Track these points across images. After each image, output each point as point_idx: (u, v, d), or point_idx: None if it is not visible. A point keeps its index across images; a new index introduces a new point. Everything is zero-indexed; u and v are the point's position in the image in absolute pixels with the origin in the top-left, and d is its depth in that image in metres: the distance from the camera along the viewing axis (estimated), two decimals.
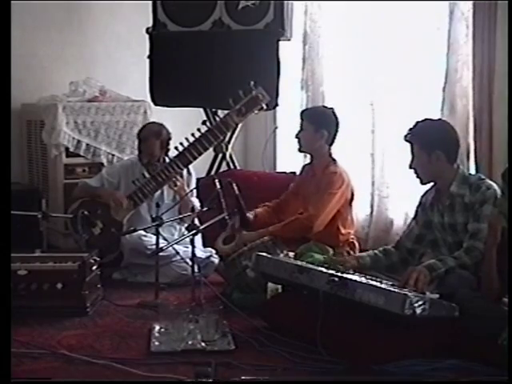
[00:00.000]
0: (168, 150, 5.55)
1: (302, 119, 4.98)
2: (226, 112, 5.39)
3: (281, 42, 5.89)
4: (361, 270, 4.10)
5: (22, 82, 6.38)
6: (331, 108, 5.06)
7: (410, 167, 4.16)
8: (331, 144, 4.98)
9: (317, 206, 4.83)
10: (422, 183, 4.23)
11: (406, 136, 4.15)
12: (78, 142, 6.11)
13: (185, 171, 5.49)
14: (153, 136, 5.49)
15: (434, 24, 5.49)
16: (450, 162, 4.09)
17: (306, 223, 4.82)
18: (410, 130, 4.15)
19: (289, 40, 6.15)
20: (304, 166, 5.27)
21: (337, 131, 4.96)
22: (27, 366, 3.62)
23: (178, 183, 5.37)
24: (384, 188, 5.84)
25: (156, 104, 6.20)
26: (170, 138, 5.54)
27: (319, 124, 4.92)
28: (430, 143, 4.07)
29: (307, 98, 6.36)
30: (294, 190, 5.18)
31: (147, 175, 5.41)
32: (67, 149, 6.09)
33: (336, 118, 4.97)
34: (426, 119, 4.23)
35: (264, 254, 4.35)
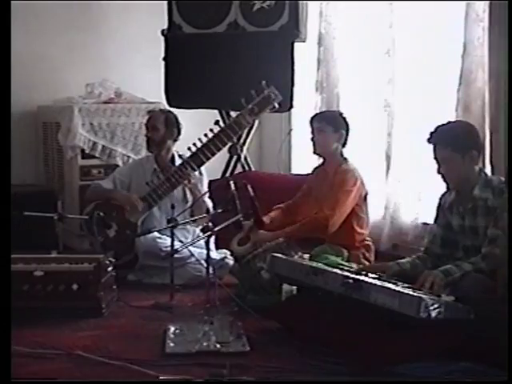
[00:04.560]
0: (177, 139, 5.58)
1: (316, 123, 5.00)
2: (238, 112, 5.40)
3: (296, 44, 5.89)
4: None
5: (38, 85, 6.43)
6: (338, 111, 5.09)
7: (439, 172, 4.07)
8: (344, 145, 5.01)
9: (332, 205, 4.83)
10: (451, 188, 4.16)
11: (430, 139, 4.05)
12: (94, 143, 6.14)
13: (196, 172, 5.49)
14: (158, 122, 5.52)
15: (449, 25, 5.48)
16: (476, 164, 4.05)
17: (322, 222, 4.82)
18: (434, 133, 4.05)
19: (304, 41, 6.15)
20: (316, 168, 5.28)
21: (348, 133, 5.00)
22: (43, 367, 3.64)
23: (192, 180, 5.39)
24: (398, 190, 5.82)
25: (171, 105, 6.21)
26: (179, 127, 5.56)
27: (337, 125, 4.96)
28: (463, 145, 4.00)
29: (322, 99, 6.35)
30: (306, 192, 5.19)
31: (158, 169, 5.49)
32: (83, 150, 6.12)
33: (346, 119, 5.03)
34: (448, 122, 4.20)
35: (279, 255, 4.35)
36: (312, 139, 5.02)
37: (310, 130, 5.06)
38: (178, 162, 5.52)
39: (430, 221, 4.47)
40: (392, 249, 5.73)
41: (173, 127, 5.54)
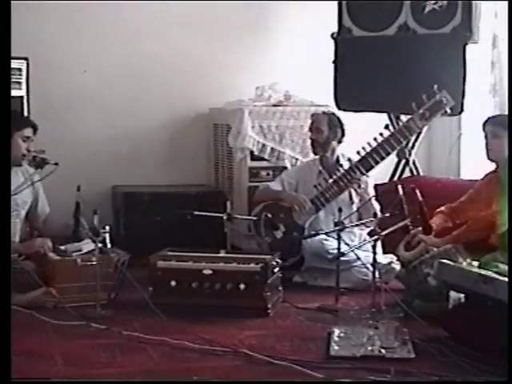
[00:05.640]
0: (341, 140, 5.61)
1: (490, 126, 4.85)
2: (408, 116, 5.34)
3: (468, 45, 5.76)
4: None
5: (211, 87, 6.61)
6: None
7: None
8: None
9: (500, 203, 4.67)
10: None
11: None
12: (263, 145, 6.23)
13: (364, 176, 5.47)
14: (322, 124, 5.58)
15: None
16: None
17: (490, 219, 4.68)
18: None
19: (476, 43, 5.99)
20: (487, 174, 5.12)
21: None
22: (210, 363, 3.72)
23: (362, 185, 5.38)
24: None
25: (340, 109, 6.20)
26: (343, 128, 5.59)
27: None
28: None
29: (495, 103, 6.17)
30: (473, 197, 5.04)
31: (323, 171, 5.53)
32: (252, 152, 6.23)
33: None
34: None
35: (447, 261, 4.26)
36: (486, 144, 4.87)
37: (482, 134, 4.92)
38: (343, 163, 5.53)
39: None
40: None
41: (336, 128, 5.57)
